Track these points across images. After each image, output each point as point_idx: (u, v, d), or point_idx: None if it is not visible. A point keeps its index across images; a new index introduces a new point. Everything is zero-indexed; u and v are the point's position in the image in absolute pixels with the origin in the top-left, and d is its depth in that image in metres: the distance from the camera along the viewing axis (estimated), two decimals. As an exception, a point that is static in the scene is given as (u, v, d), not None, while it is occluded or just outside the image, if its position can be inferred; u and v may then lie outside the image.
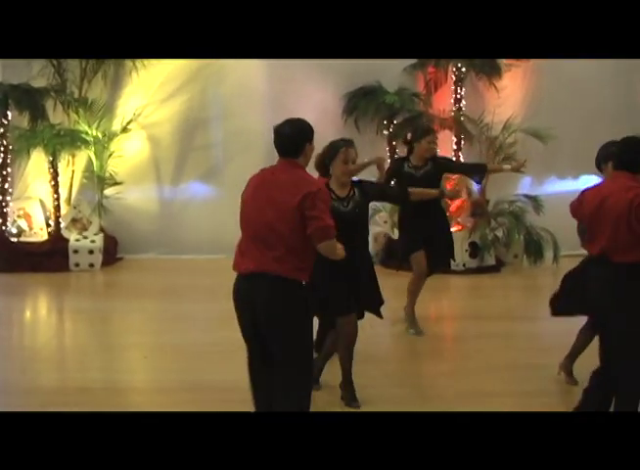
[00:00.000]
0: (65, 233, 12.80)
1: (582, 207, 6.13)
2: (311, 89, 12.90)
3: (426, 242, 8.79)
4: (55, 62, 12.54)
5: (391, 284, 11.47)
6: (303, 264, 5.31)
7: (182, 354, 8.21)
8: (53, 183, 12.85)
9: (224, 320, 9.40)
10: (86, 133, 12.58)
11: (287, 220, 5.28)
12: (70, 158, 12.91)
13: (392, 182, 8.72)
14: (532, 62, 12.96)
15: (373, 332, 8.95)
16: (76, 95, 12.76)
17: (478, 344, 8.61)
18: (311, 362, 5.54)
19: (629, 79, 13.17)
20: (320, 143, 13.31)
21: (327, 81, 12.81)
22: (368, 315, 7.16)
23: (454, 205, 12.55)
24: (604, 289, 5.80)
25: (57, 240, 12.75)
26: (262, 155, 13.05)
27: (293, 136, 5.66)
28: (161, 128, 13.20)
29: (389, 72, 12.65)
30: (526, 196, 12.90)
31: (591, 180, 13.41)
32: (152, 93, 13.09)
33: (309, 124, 5.84)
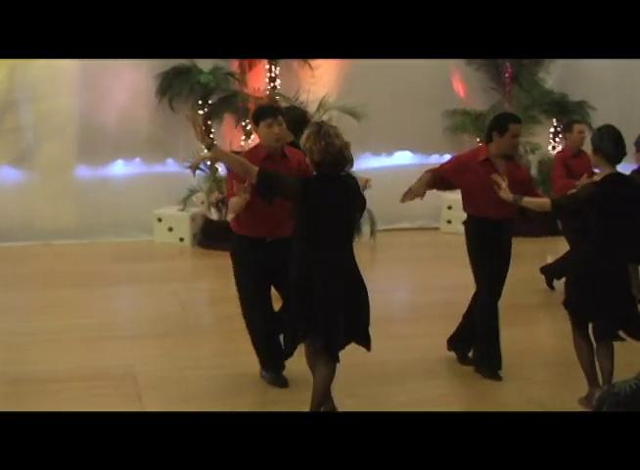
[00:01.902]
0: None
1: None
2: (124, 69, 12.58)
3: None
4: None
5: (211, 264, 11.52)
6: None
7: (1, 346, 7.94)
8: None
9: (42, 309, 9.26)
10: None
11: None
12: None
13: None
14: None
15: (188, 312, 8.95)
16: None
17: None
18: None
19: (445, 64, 13.52)
20: (133, 123, 13.15)
21: (140, 61, 12.52)
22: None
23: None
24: None
25: None
26: (75, 137, 12.78)
27: None
28: (-32, 112, 12.67)
29: (204, 52, 12.52)
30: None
31: (405, 156, 13.85)
32: (-44, 76, 12.55)
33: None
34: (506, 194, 6.61)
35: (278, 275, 6.41)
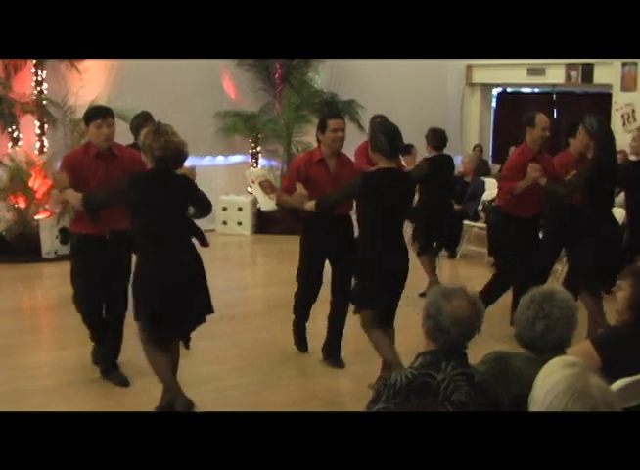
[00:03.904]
0: None
1: None
2: None
3: None
4: None
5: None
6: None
7: None
8: None
9: None
10: None
11: None
12: None
13: None
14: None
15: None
16: None
17: (78, 331, 8.42)
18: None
19: (213, 62, 13.53)
20: None
21: None
22: None
23: (40, 191, 12.20)
24: None
25: None
26: None
27: None
28: None
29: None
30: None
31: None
32: None
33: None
34: (300, 197, 6.97)
35: (114, 272, 6.84)
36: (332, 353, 7.68)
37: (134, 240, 6.16)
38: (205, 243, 6.35)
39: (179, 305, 6.01)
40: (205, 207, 6.34)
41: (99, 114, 6.82)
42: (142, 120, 7.90)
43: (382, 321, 6.77)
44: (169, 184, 6.04)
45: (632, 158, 9.68)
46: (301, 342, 7.91)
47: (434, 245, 10.43)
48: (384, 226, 6.61)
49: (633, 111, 14.12)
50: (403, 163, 10.49)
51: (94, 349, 7.33)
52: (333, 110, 13.78)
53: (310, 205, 6.88)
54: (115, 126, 6.90)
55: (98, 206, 6.32)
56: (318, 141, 7.53)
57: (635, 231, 8.47)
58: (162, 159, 5.92)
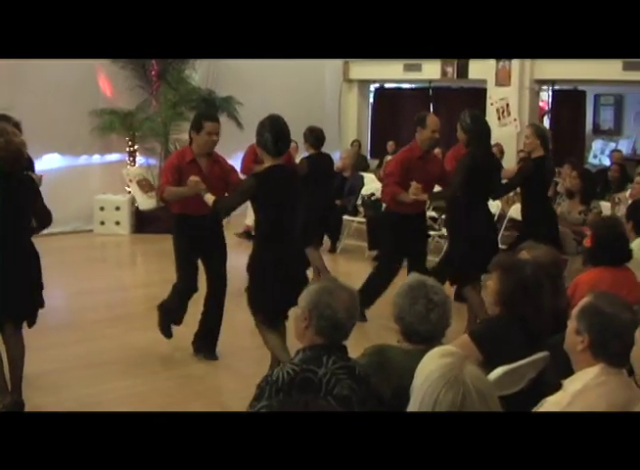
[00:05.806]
0: None
1: None
2: None
3: None
4: None
5: None
6: None
7: None
8: None
9: None
10: None
11: None
12: None
13: None
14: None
15: None
16: None
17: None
18: None
19: (88, 60, 13.29)
20: None
21: None
22: None
23: None
24: None
25: None
26: None
27: None
28: None
29: None
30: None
31: (53, 159, 13.46)
32: None
33: None
34: (195, 183, 6.86)
35: None
36: (207, 346, 7.69)
37: None
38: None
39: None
40: (44, 215, 6.29)
41: None
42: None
43: (275, 321, 6.78)
44: (11, 185, 5.93)
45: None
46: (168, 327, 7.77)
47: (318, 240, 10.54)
48: (281, 224, 6.56)
49: (507, 105, 14.43)
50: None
51: None
52: (211, 108, 13.71)
53: (210, 198, 6.74)
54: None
55: None
56: (190, 139, 7.41)
57: (529, 223, 8.60)
58: (2, 159, 5.84)
